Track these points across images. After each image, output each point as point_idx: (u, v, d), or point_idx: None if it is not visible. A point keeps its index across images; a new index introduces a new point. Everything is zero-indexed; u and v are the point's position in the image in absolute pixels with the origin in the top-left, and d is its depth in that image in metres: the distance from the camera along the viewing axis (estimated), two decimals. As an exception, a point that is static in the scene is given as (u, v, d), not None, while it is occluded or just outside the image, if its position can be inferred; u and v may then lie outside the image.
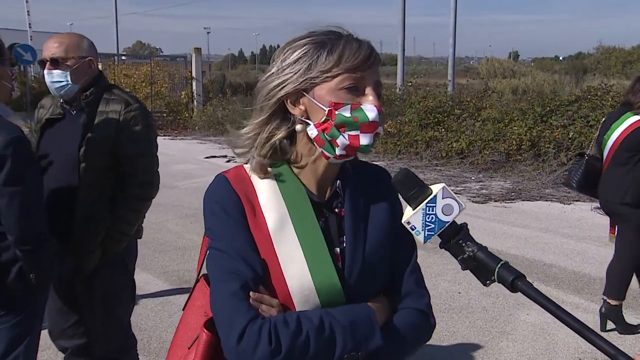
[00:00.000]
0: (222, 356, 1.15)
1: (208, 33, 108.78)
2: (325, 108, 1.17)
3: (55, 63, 2.41)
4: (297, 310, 1.16)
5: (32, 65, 18.09)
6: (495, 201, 8.08)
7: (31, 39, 20.51)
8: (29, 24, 22.60)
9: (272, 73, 1.21)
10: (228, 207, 1.20)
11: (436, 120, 11.68)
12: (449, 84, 14.29)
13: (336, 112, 1.16)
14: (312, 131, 1.19)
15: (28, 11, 22.46)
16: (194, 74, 18.92)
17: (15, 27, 25.96)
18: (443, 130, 11.39)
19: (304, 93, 1.19)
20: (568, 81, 22.98)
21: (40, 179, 2.12)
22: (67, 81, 2.42)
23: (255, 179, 1.25)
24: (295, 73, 1.18)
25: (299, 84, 1.18)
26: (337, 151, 1.18)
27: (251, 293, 1.13)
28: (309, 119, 1.20)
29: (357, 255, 1.22)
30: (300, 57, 1.18)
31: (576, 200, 7.99)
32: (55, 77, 2.42)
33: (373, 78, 1.19)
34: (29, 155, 2.06)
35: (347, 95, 1.16)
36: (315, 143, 1.21)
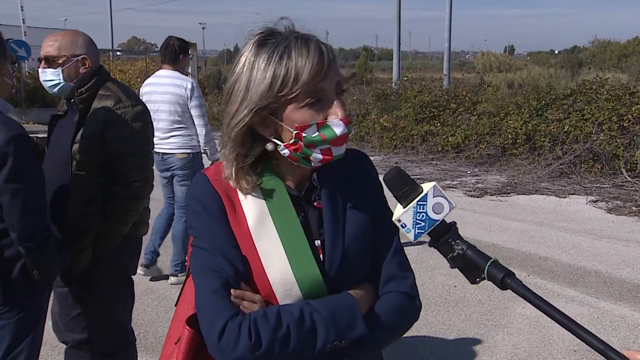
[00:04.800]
0: (206, 352, 1.15)
1: (203, 28, 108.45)
2: (292, 131, 1.14)
3: (48, 62, 2.41)
4: (280, 304, 1.17)
5: (26, 61, 18.01)
6: (491, 195, 8.08)
7: (25, 35, 20.39)
8: (23, 19, 22.43)
9: (236, 102, 1.16)
10: (208, 205, 1.20)
11: (432, 114, 11.70)
12: (445, 78, 14.29)
13: (303, 134, 1.14)
14: (284, 151, 1.17)
15: (22, 6, 22.29)
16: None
17: (9, 23, 25.77)
18: (439, 124, 11.41)
19: (270, 116, 1.16)
20: (564, 75, 23.06)
21: (42, 176, 2.12)
22: (60, 80, 2.41)
23: None
24: (255, 101, 1.13)
25: (262, 109, 1.14)
26: (313, 164, 1.18)
27: (232, 290, 1.13)
28: (280, 138, 1.17)
29: (337, 246, 1.23)
30: (254, 83, 1.13)
31: (571, 194, 8.02)
32: (48, 76, 2.42)
33: (333, 81, 1.15)
34: (30, 151, 2.05)
35: (311, 112, 1.13)
36: (289, 159, 1.19)
